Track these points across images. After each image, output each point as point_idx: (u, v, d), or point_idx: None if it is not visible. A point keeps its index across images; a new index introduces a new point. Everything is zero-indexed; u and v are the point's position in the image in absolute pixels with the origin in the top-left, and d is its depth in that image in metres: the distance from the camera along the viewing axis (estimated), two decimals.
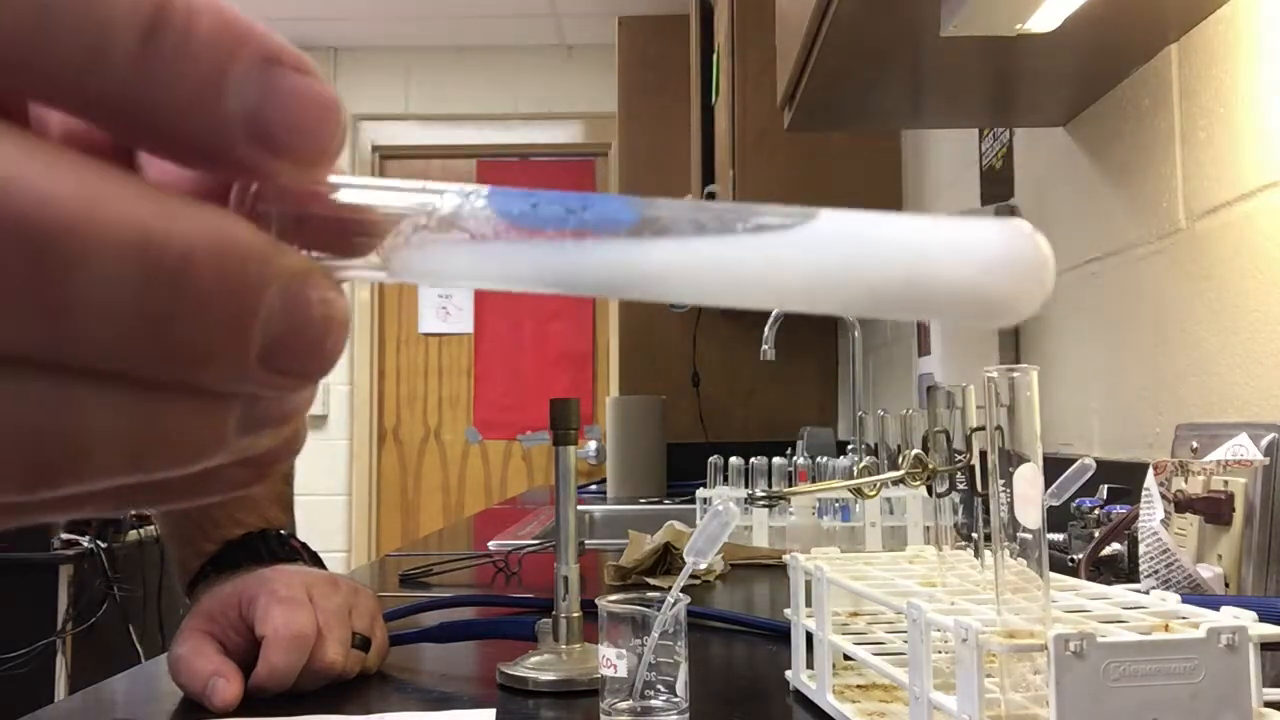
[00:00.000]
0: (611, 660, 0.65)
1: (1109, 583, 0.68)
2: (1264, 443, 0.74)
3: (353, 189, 0.19)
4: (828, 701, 0.66)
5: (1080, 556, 0.94)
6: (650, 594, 0.67)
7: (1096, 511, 1.01)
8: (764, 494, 1.54)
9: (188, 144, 0.17)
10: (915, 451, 0.65)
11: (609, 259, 0.18)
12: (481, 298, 4.41)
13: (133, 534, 2.89)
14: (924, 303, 0.18)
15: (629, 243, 0.18)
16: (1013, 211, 1.62)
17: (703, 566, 0.74)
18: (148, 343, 0.16)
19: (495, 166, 4.47)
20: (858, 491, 1.45)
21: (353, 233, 0.19)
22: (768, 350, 2.32)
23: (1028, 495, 0.47)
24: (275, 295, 0.16)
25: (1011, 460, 0.47)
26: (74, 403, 0.16)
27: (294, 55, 0.17)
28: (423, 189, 0.18)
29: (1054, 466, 0.70)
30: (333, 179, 0.18)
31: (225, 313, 0.16)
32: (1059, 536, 1.05)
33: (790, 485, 1.60)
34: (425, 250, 0.18)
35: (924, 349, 1.70)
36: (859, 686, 0.69)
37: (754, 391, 3.19)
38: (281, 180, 0.18)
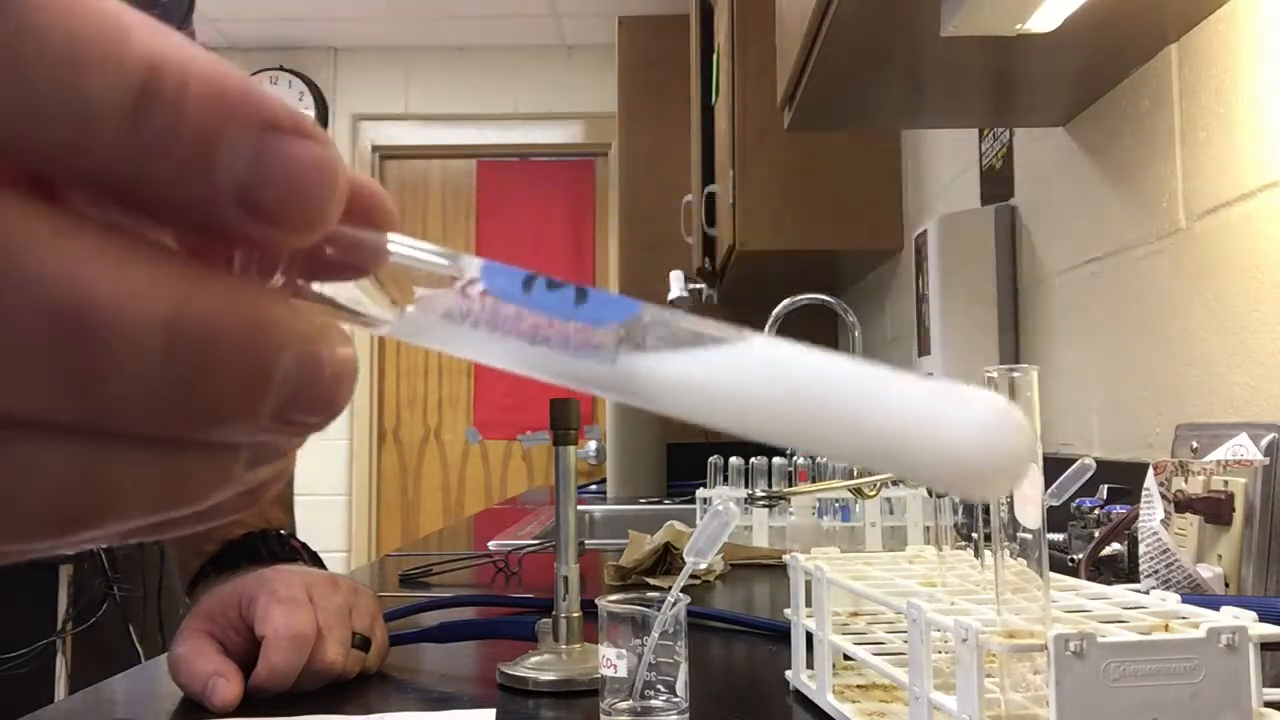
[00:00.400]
0: (611, 660, 0.65)
1: (1109, 583, 0.68)
2: (1264, 443, 0.74)
3: (370, 237, 0.19)
4: (828, 701, 0.66)
5: (1080, 556, 0.94)
6: (650, 594, 0.67)
7: (1096, 511, 1.01)
8: (764, 494, 1.54)
9: (182, 216, 0.17)
10: None
11: (609, 369, 0.19)
12: None
13: None
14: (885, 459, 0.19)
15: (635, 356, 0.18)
16: (1013, 211, 1.62)
17: (703, 566, 0.74)
18: (174, 407, 0.17)
19: (495, 166, 4.47)
20: (858, 491, 1.46)
21: (357, 279, 0.19)
22: None
23: (1028, 495, 0.47)
24: (290, 358, 0.18)
25: None
26: (106, 462, 0.17)
27: (291, 118, 0.17)
28: (434, 254, 0.19)
29: (1054, 466, 0.70)
30: (347, 232, 0.19)
31: (244, 377, 0.17)
32: (1059, 536, 1.05)
33: (790, 485, 1.60)
34: (425, 321, 0.19)
35: (924, 349, 1.70)
36: (859, 686, 0.69)
37: None
38: (278, 247, 0.18)
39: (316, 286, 0.19)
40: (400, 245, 0.19)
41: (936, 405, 0.18)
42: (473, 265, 0.19)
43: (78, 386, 0.16)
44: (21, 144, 0.16)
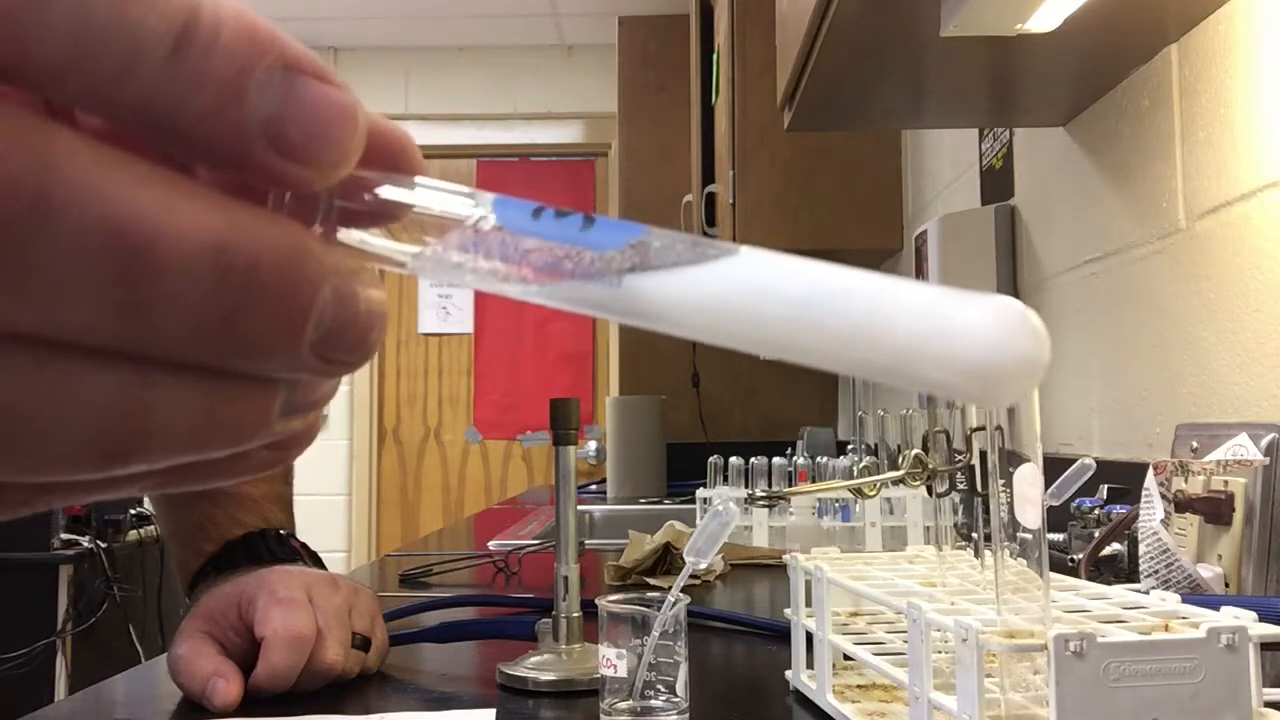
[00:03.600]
0: (611, 660, 0.65)
1: (1109, 583, 0.68)
2: (1264, 443, 0.74)
3: (391, 188, 0.20)
4: (828, 701, 0.66)
5: (1080, 556, 0.94)
6: (650, 594, 0.67)
7: (1096, 511, 1.01)
8: (764, 494, 1.54)
9: (212, 149, 0.18)
10: (915, 451, 0.65)
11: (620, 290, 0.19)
12: (481, 298, 4.40)
13: (133, 534, 2.89)
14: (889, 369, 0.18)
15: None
16: (1013, 211, 1.62)
17: (703, 566, 0.74)
18: (219, 337, 0.17)
19: (495, 166, 4.47)
20: (858, 491, 1.45)
21: (384, 225, 0.20)
22: None
23: (1028, 495, 0.47)
24: (328, 293, 0.18)
25: (1011, 460, 0.47)
26: (152, 390, 0.17)
27: (314, 63, 0.18)
28: (454, 193, 0.20)
29: (1054, 466, 0.70)
30: (364, 174, 0.20)
31: (286, 309, 0.18)
32: (1059, 536, 1.05)
33: (790, 485, 1.60)
34: (441, 257, 0.20)
35: None
36: (859, 686, 0.69)
37: (754, 391, 3.19)
38: (303, 185, 0.19)
39: (343, 234, 0.20)
40: (422, 188, 0.20)
41: (943, 308, 0.17)
42: (486, 201, 0.19)
43: (128, 310, 0.17)
44: (78, 70, 0.16)
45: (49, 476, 0.17)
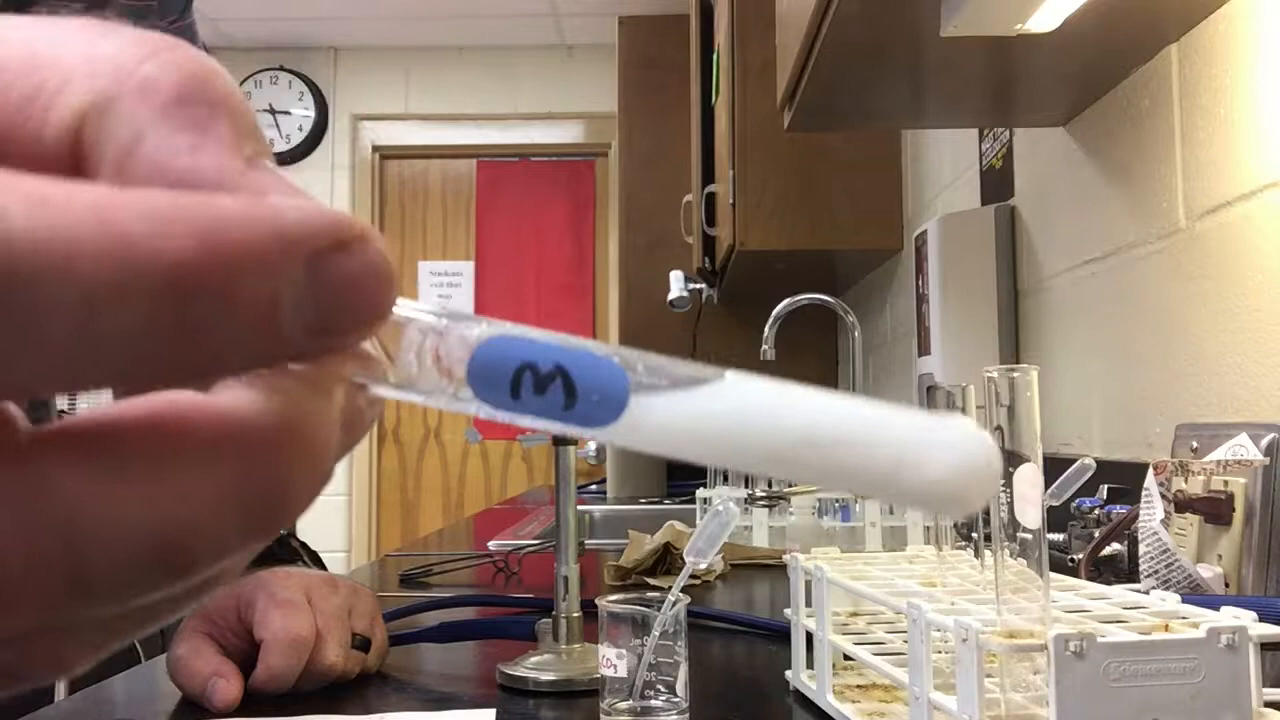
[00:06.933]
0: (611, 660, 0.65)
1: (1109, 583, 0.68)
2: (1264, 443, 0.74)
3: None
4: (828, 701, 0.66)
5: (1080, 556, 0.94)
6: (650, 594, 0.67)
7: (1096, 511, 1.01)
8: (764, 494, 1.54)
9: (251, 366, 0.17)
10: None
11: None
12: (481, 298, 4.41)
13: None
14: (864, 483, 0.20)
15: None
16: (1013, 211, 1.62)
17: (703, 566, 0.74)
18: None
19: (495, 166, 4.47)
20: None
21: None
22: (767, 350, 2.32)
23: (1028, 495, 0.47)
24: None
25: (1011, 460, 0.47)
26: None
27: (332, 233, 0.17)
28: (441, 315, 0.20)
29: (1054, 466, 0.70)
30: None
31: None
32: (1059, 536, 1.05)
33: (790, 485, 1.60)
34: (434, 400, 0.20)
35: (924, 349, 1.70)
36: (859, 686, 0.69)
37: None
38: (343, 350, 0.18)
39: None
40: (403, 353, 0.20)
41: (916, 449, 0.19)
42: (460, 369, 0.19)
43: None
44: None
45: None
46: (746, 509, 1.53)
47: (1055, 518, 0.98)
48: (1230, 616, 0.47)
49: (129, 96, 0.17)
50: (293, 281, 0.16)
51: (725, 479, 1.74)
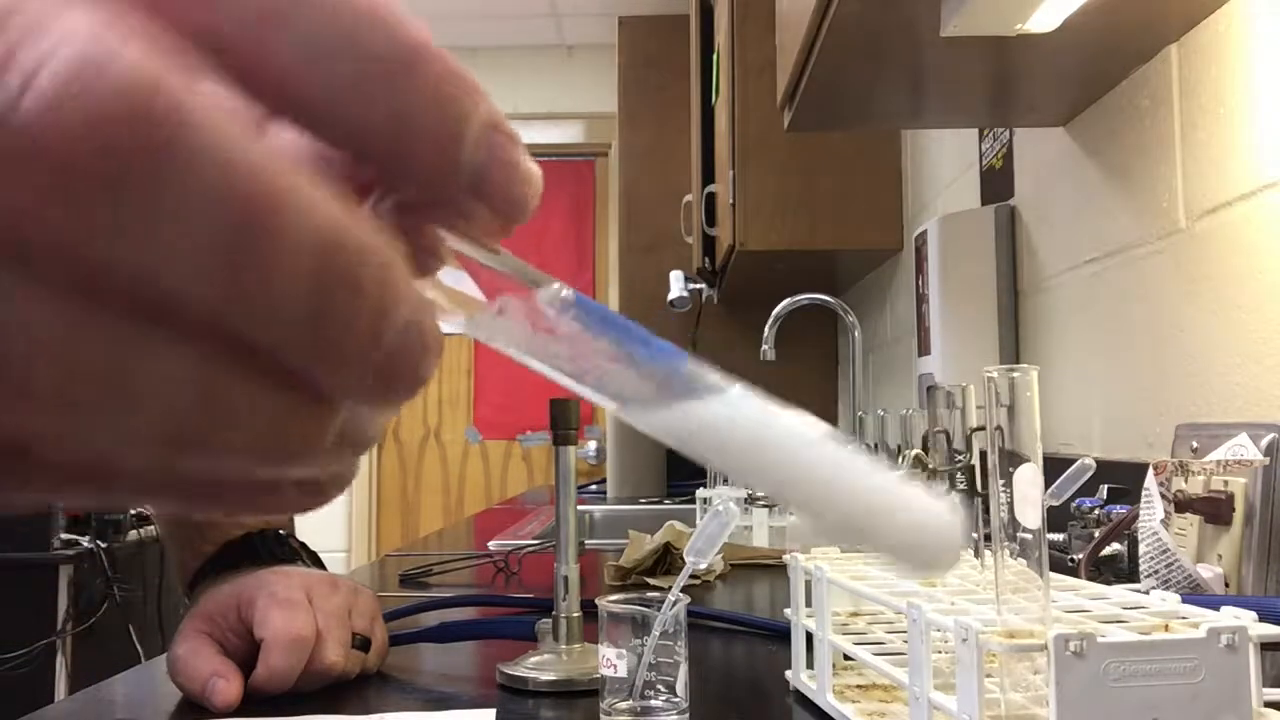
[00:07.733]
0: (611, 660, 0.65)
1: (1109, 583, 0.68)
2: (1264, 443, 0.74)
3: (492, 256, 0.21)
4: (828, 701, 0.66)
5: (1080, 556, 0.94)
6: (650, 594, 0.67)
7: (1096, 511, 1.01)
8: (764, 494, 1.54)
9: (419, 183, 0.19)
10: (915, 451, 0.65)
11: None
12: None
13: (133, 534, 2.89)
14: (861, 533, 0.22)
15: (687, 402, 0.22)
16: (1013, 211, 1.62)
17: (703, 566, 0.74)
18: (305, 327, 0.17)
19: None
20: None
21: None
22: (767, 350, 2.32)
23: (1028, 495, 0.47)
24: (402, 318, 0.18)
25: (1011, 460, 0.47)
26: (229, 378, 0.17)
27: (507, 125, 0.20)
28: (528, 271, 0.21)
29: (1054, 466, 0.70)
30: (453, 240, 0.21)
31: (369, 322, 0.18)
32: (1059, 536, 1.05)
33: None
34: (508, 326, 0.21)
35: (924, 349, 1.70)
36: (859, 686, 0.69)
37: None
38: (476, 228, 0.20)
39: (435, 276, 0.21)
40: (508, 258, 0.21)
41: (920, 529, 0.21)
42: (560, 286, 0.21)
43: (231, 280, 0.16)
44: (311, 77, 0.18)
45: (105, 446, 0.17)
46: (746, 509, 1.53)
47: (1055, 518, 0.98)
48: (1230, 616, 0.47)
49: None
50: (480, 127, 0.19)
51: (725, 479, 1.74)
